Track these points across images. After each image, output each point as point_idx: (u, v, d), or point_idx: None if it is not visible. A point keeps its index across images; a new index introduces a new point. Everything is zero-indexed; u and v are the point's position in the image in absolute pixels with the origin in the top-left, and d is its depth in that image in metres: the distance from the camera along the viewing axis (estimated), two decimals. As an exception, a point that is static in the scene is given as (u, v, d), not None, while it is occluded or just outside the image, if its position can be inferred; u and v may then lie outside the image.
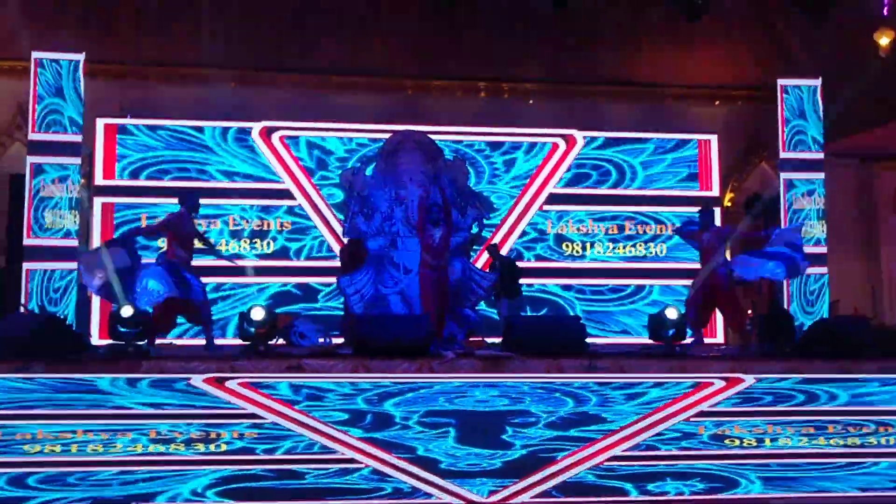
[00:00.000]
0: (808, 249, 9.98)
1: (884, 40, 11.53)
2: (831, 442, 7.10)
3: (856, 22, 12.06)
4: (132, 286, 7.58)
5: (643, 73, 12.99)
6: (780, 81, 10.32)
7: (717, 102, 13.22)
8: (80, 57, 9.33)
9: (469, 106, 12.68)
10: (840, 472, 7.06)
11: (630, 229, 11.71)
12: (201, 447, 6.54)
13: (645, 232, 11.72)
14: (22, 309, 8.73)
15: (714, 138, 11.99)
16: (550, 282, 11.50)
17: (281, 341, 8.90)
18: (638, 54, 12.98)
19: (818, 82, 10.23)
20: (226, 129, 11.28)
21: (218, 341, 10.35)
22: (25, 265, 9.03)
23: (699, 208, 9.46)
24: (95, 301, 10.56)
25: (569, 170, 11.71)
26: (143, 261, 7.95)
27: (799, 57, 12.28)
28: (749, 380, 7.06)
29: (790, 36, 12.77)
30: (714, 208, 9.52)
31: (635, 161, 11.86)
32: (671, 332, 8.20)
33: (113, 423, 6.47)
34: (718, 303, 9.09)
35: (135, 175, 11.06)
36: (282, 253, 11.57)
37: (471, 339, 9.48)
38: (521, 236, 11.59)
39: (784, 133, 10.15)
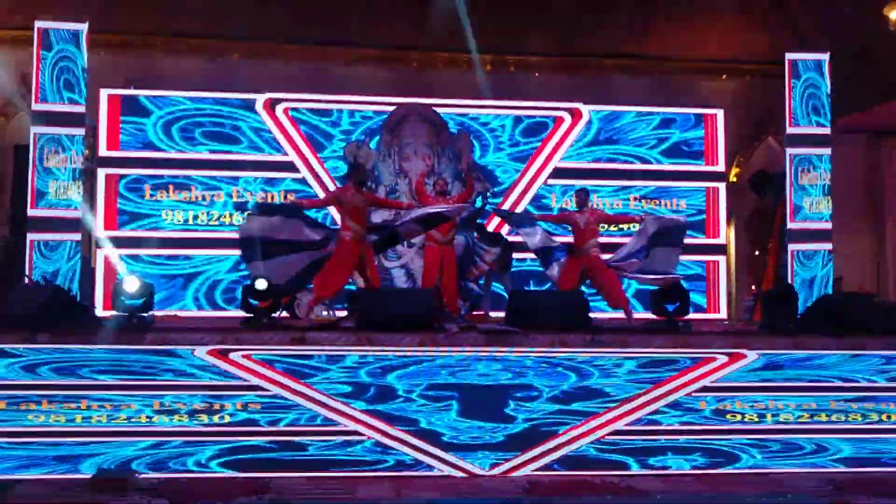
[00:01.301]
0: (813, 225, 9.97)
1: (894, 14, 11.39)
2: (833, 418, 7.13)
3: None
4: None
5: (650, 47, 12.87)
6: (788, 56, 10.20)
7: (724, 77, 13.11)
8: (84, 27, 9.26)
9: (475, 79, 12.58)
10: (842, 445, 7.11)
11: (635, 205, 11.64)
12: (205, 418, 6.59)
13: (651, 207, 11.62)
14: (27, 280, 8.74)
15: (720, 113, 11.90)
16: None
17: (284, 314, 8.92)
18: (646, 28, 12.86)
19: (826, 57, 10.13)
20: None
21: (220, 313, 10.41)
22: (30, 236, 9.03)
23: (576, 189, 9.43)
24: (99, 271, 10.58)
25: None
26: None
27: (808, 31, 12.14)
28: (752, 355, 7.08)
29: (799, 9, 12.62)
30: (589, 190, 9.52)
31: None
32: (674, 306, 8.22)
33: (117, 393, 6.53)
34: (599, 283, 8.97)
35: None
36: (285, 225, 11.46)
37: (474, 312, 9.49)
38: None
39: (791, 108, 10.06)
